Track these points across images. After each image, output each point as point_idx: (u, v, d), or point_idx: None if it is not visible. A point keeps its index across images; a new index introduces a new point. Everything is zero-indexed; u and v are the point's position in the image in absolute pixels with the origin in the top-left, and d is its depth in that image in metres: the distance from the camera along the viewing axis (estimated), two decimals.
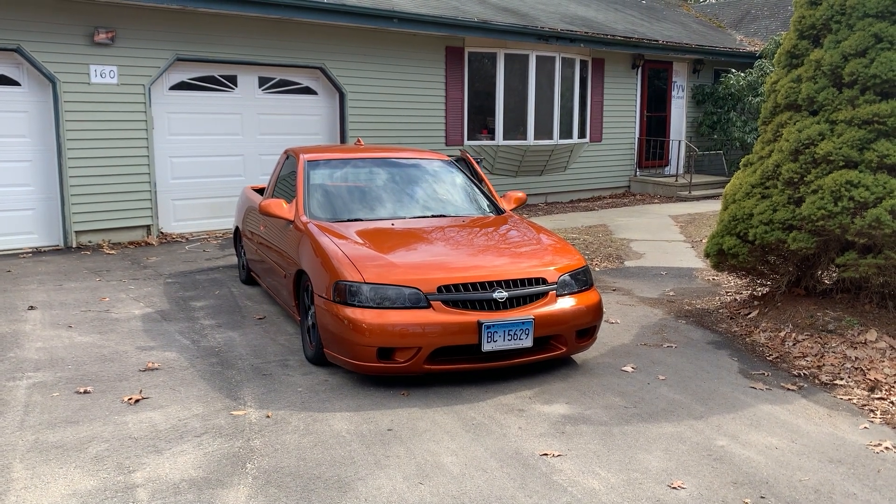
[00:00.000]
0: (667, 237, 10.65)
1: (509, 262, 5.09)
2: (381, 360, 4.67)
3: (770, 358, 5.48)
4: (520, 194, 6.65)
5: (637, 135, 15.86)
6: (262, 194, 7.59)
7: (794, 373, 5.17)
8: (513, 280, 4.92)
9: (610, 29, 14.53)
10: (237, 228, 8.00)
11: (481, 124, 13.29)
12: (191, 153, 10.51)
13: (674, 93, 16.43)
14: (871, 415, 4.48)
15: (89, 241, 9.68)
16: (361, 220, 5.84)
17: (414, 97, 12.30)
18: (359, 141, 7.73)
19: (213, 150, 10.68)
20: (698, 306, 6.92)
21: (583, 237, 10.53)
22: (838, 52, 5.62)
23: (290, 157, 6.84)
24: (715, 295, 7.32)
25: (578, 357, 5.48)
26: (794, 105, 5.98)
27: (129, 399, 4.58)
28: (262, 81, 10.98)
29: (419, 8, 11.73)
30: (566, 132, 14.18)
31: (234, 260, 8.77)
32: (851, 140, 5.39)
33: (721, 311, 6.70)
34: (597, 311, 5.22)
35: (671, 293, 7.43)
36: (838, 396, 4.76)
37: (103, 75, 9.48)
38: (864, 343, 5.36)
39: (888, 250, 5.30)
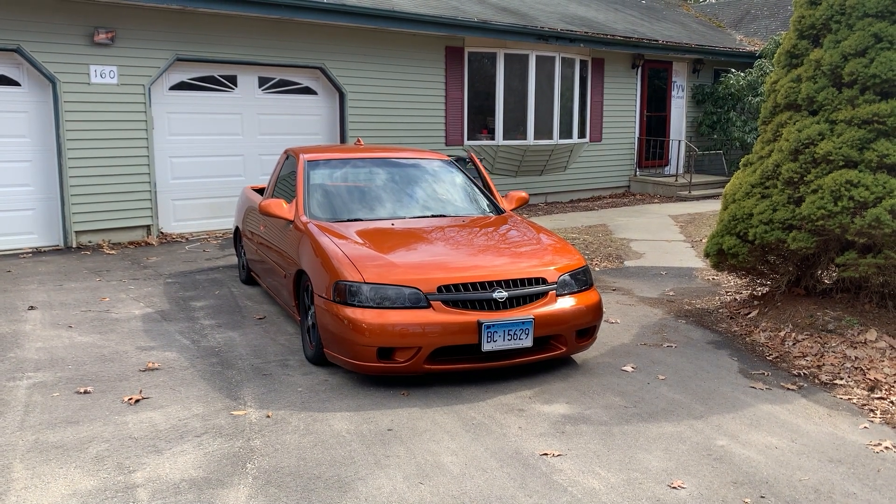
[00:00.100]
0: (667, 237, 10.65)
1: (509, 261, 5.09)
2: (381, 360, 4.68)
3: (770, 358, 5.48)
4: (522, 194, 6.66)
5: (637, 135, 15.86)
6: (262, 194, 7.59)
7: (794, 372, 5.18)
8: (513, 280, 4.92)
9: (610, 29, 14.53)
10: (237, 228, 8.00)
11: (481, 124, 13.28)
12: (191, 153, 10.51)
13: (674, 92, 16.43)
14: (871, 414, 4.48)
15: (89, 241, 9.69)
16: (361, 220, 5.84)
17: (414, 97, 12.30)
18: (359, 141, 7.73)
19: (213, 150, 10.69)
20: (698, 306, 6.92)
21: (583, 237, 10.53)
22: (838, 51, 5.62)
23: (289, 157, 6.84)
24: (715, 295, 7.32)
25: (578, 357, 5.48)
26: (793, 105, 5.98)
27: (130, 399, 4.58)
28: (262, 81, 10.98)
29: (419, 8, 11.73)
30: (566, 132, 14.18)
31: (234, 260, 8.77)
32: (851, 140, 5.39)
33: (721, 310, 6.71)
34: (597, 311, 5.22)
35: (671, 293, 7.43)
36: (838, 396, 4.76)
37: (103, 75, 9.48)
38: (864, 343, 5.36)
39: (888, 250, 5.30)
